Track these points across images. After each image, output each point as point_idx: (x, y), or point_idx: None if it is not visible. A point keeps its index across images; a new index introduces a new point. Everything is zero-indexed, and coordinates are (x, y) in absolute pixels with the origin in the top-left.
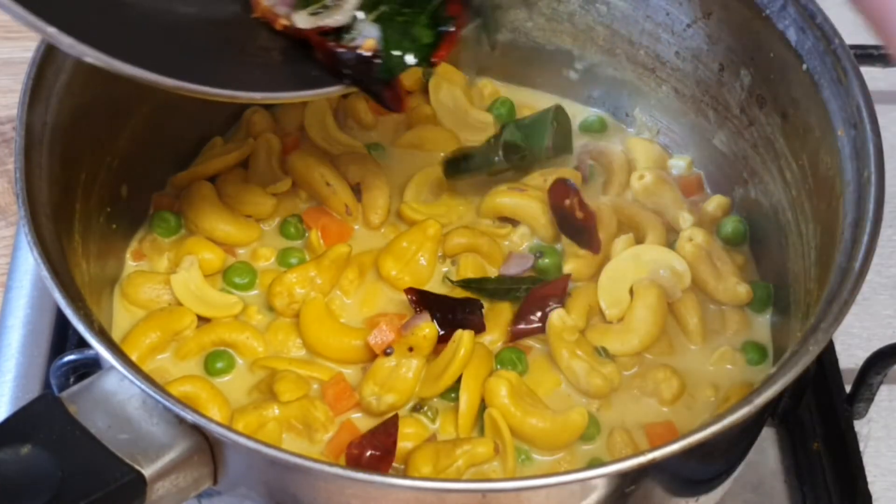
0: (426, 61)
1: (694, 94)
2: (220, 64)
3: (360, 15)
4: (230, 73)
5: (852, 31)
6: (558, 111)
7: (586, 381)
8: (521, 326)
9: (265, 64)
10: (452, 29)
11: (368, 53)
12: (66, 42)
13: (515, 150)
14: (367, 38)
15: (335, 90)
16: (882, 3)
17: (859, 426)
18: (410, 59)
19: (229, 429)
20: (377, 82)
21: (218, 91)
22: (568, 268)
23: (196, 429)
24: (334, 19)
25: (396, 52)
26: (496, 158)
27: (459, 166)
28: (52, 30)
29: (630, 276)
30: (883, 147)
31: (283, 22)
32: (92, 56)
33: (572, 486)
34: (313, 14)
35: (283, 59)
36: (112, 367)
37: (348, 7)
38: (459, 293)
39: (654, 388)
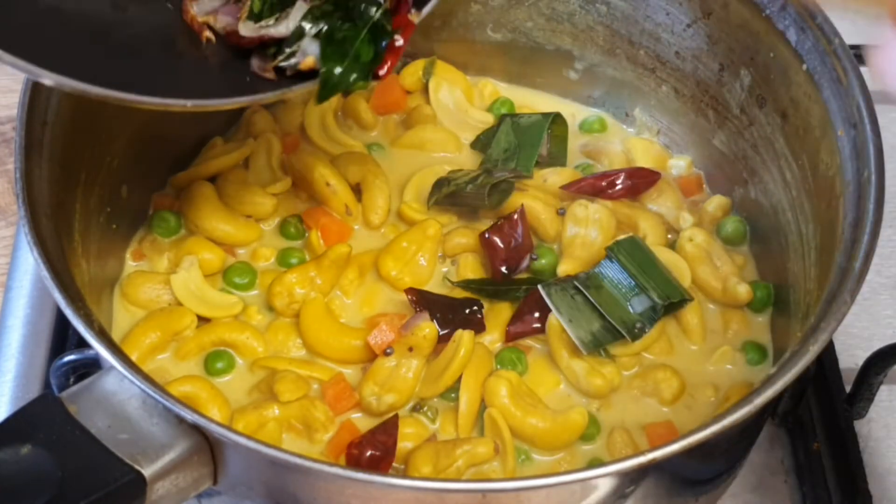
0: (367, 77)
1: (694, 94)
2: (154, 70)
3: (306, 26)
4: (164, 79)
5: (852, 31)
6: (556, 120)
7: (586, 381)
8: (521, 327)
9: (201, 70)
10: (397, 42)
11: (308, 70)
12: None
13: (500, 193)
14: (307, 56)
15: (269, 96)
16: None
17: (859, 426)
18: (350, 76)
19: (229, 429)
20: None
21: (145, 99)
22: (563, 268)
23: (196, 429)
24: (277, 30)
25: (337, 70)
26: (484, 202)
27: (445, 201)
28: None
29: None
30: (883, 147)
31: (208, 35)
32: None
33: (572, 486)
34: (258, 25)
35: (220, 66)
36: (112, 367)
37: (292, 21)
38: (459, 293)
39: (654, 388)
